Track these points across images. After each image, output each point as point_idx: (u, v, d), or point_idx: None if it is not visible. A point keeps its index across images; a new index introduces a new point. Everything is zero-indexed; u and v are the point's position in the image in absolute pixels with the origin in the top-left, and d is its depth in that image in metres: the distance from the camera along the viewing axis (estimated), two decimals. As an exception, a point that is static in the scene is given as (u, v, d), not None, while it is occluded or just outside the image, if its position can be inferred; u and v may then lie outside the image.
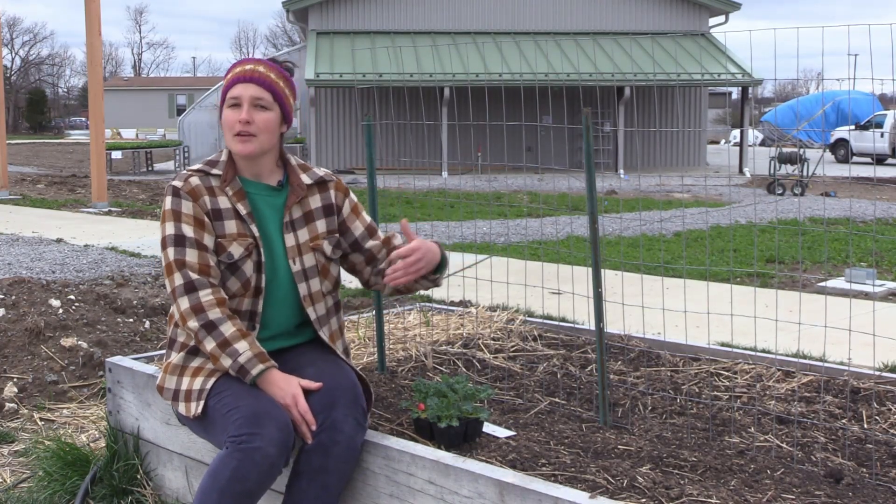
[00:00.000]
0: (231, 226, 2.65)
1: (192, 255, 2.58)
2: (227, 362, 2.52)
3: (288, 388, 2.51)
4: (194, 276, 2.56)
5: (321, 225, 2.78)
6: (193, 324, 2.53)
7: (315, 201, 2.79)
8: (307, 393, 2.53)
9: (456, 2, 26.97)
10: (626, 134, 25.34)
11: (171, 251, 2.59)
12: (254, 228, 2.66)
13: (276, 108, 2.68)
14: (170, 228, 2.62)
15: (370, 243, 2.84)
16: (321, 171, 2.84)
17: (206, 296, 2.54)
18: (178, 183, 2.65)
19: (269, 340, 2.71)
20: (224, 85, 2.68)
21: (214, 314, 2.53)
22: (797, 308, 4.08)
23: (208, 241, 2.62)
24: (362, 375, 2.74)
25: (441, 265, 2.74)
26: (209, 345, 2.53)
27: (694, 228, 12.24)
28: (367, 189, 3.40)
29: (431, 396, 2.69)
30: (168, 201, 2.64)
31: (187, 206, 2.62)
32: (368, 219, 2.89)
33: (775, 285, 7.52)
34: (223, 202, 2.66)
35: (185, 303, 2.54)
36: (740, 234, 11.36)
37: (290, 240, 2.71)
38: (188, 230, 2.60)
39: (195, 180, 2.66)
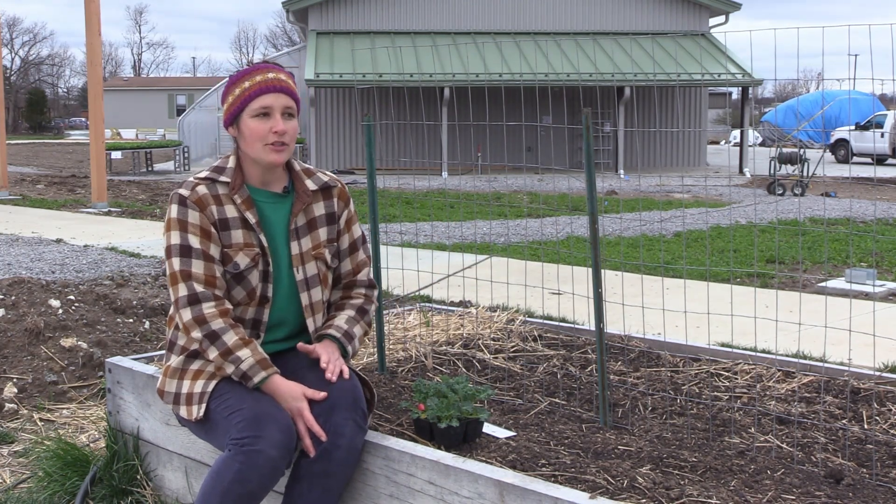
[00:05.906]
0: (238, 235, 2.63)
1: (197, 267, 2.57)
2: (229, 369, 2.53)
3: (293, 401, 2.50)
4: (199, 288, 2.55)
5: (323, 233, 2.76)
6: (197, 334, 2.54)
7: (319, 208, 2.77)
8: (308, 400, 2.53)
9: (456, 2, 26.98)
10: (626, 134, 25.35)
11: (176, 261, 2.57)
12: (262, 238, 2.64)
13: (296, 114, 2.69)
14: (175, 238, 2.59)
15: (344, 261, 2.83)
16: (325, 176, 2.81)
17: (209, 307, 2.54)
18: (184, 192, 2.62)
19: (266, 344, 2.71)
20: (245, 93, 2.62)
21: (217, 324, 2.53)
22: (797, 308, 4.08)
23: (214, 251, 2.60)
24: (364, 378, 2.74)
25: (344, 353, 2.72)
26: (212, 353, 2.54)
27: (694, 229, 12.24)
28: (367, 189, 3.40)
29: (431, 397, 2.69)
30: (174, 210, 2.61)
31: (194, 217, 2.59)
32: (357, 233, 2.86)
33: (775, 285, 7.52)
34: (230, 211, 2.64)
35: (187, 314, 2.54)
36: (740, 235, 11.36)
37: (294, 248, 2.70)
38: (194, 241, 2.58)
39: (202, 189, 2.63)
